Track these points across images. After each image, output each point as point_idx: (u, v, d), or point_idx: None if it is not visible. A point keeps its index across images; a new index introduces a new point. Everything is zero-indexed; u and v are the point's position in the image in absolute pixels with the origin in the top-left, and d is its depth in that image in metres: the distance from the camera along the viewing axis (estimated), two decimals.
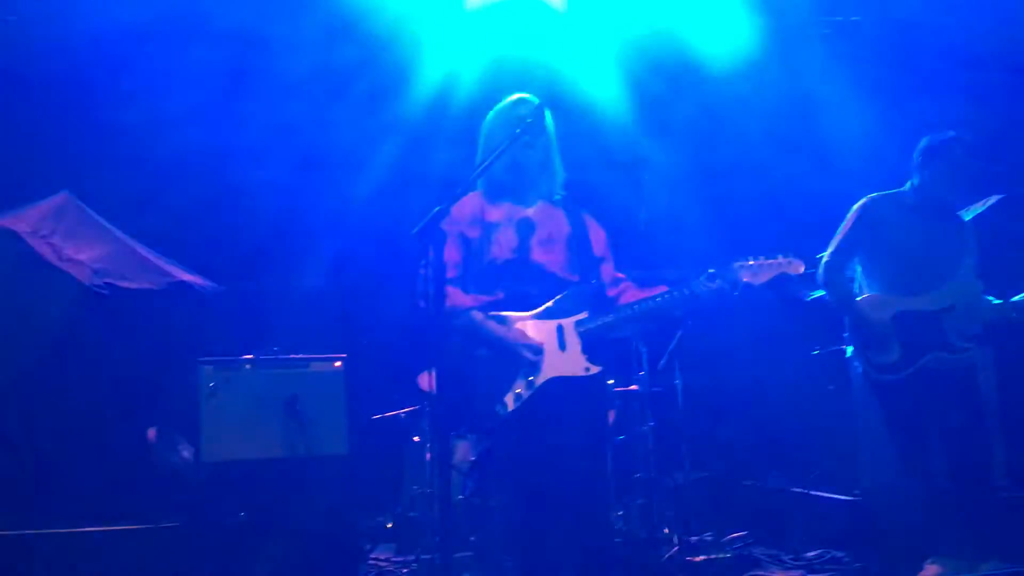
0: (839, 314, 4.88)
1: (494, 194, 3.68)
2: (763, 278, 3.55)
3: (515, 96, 3.71)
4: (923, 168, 4.71)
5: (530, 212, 3.66)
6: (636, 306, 3.55)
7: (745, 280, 3.54)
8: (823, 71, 8.57)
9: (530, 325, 3.50)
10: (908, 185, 4.78)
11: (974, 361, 4.62)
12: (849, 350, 4.85)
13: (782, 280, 3.63)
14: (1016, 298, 4.50)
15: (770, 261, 3.56)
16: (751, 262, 3.55)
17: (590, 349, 3.52)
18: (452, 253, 3.55)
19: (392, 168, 8.45)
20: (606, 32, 8.04)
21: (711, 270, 3.54)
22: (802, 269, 3.61)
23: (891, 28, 8.33)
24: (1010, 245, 4.74)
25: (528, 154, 3.58)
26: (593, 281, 3.60)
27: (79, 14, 8.06)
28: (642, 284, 3.79)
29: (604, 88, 8.44)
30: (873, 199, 4.77)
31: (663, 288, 3.58)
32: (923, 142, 4.75)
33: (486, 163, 3.40)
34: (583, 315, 3.53)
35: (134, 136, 8.02)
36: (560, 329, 3.51)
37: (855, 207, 4.79)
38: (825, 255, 4.80)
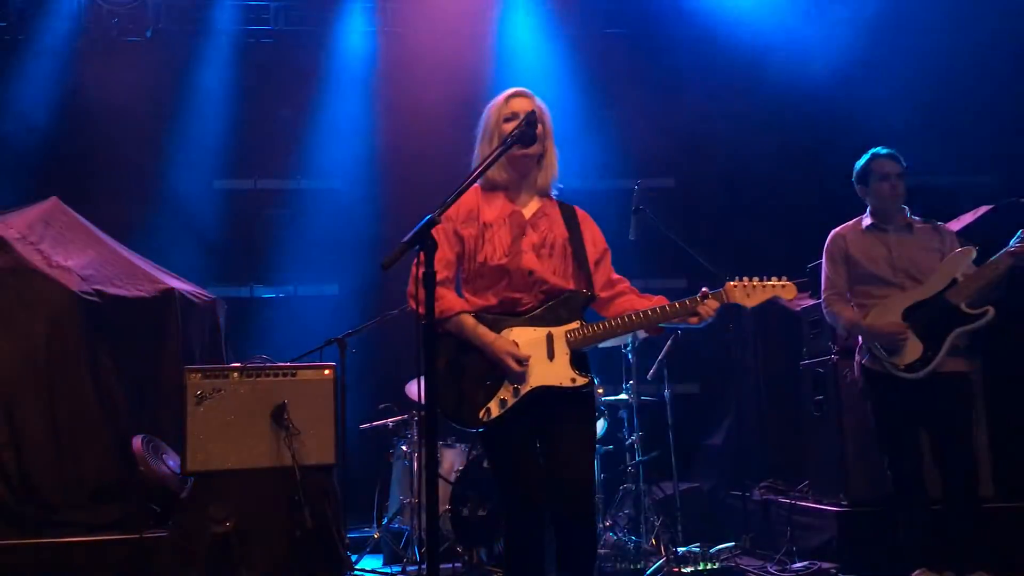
0: (853, 338, 4.96)
1: (489, 191, 3.67)
2: (756, 300, 3.58)
3: (511, 91, 3.69)
4: (864, 192, 4.88)
5: (525, 211, 3.64)
6: (627, 319, 3.54)
7: (738, 301, 3.56)
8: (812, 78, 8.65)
9: (520, 332, 3.49)
10: (867, 210, 4.93)
11: (970, 368, 4.66)
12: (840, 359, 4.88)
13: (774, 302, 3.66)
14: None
15: (764, 283, 3.59)
16: (744, 283, 3.58)
17: (578, 359, 3.51)
18: (445, 252, 3.53)
19: (387, 175, 8.48)
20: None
21: (704, 289, 3.56)
22: (795, 293, 3.63)
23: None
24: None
25: (522, 156, 3.57)
26: (586, 291, 3.59)
27: (72, 21, 8.09)
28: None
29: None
30: (837, 233, 4.94)
31: (661, 299, 3.57)
32: (854, 169, 4.92)
33: (478, 170, 3.39)
34: (574, 325, 3.52)
35: (126, 142, 8.02)
36: (550, 337, 3.50)
37: (826, 245, 4.95)
38: (822, 292, 4.92)
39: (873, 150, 4.87)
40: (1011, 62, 8.22)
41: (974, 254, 4.63)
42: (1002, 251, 4.54)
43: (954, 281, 4.58)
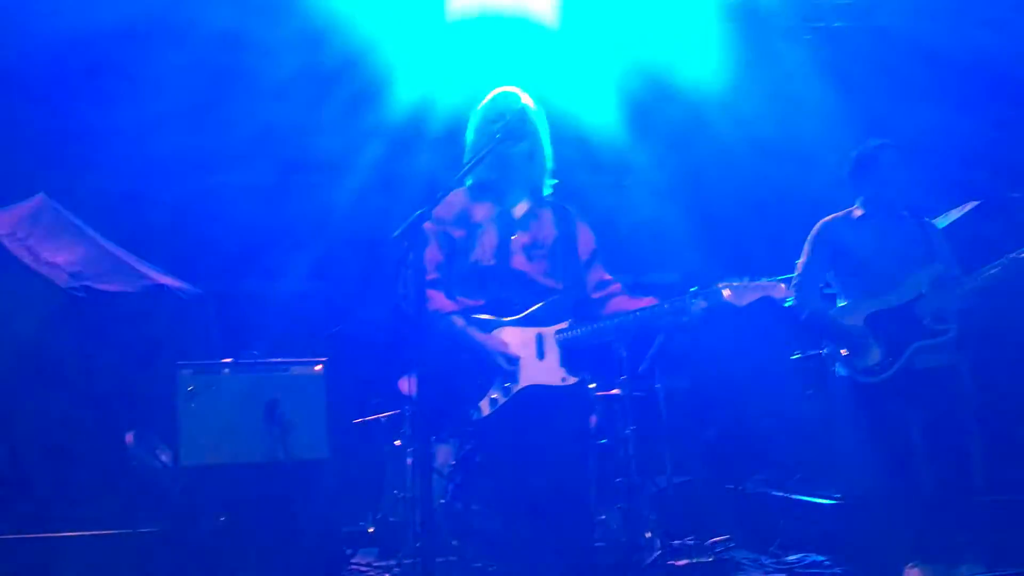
0: (814, 330, 4.97)
1: (479, 192, 3.66)
2: (746, 300, 3.61)
3: (499, 91, 3.69)
4: (859, 182, 4.84)
5: (515, 211, 3.64)
6: (617, 319, 3.55)
7: (728, 301, 3.58)
8: (806, 77, 8.63)
9: (510, 332, 3.49)
10: (857, 201, 4.88)
11: (957, 361, 4.65)
12: (828, 355, 4.87)
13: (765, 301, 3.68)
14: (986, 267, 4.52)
15: (754, 283, 3.62)
16: (735, 283, 3.60)
17: (569, 359, 3.51)
18: (435, 254, 3.53)
19: (374, 171, 8.43)
20: (594, 45, 8.10)
21: (694, 288, 3.56)
22: (785, 292, 3.68)
23: (872, 34, 8.37)
24: (988, 252, 4.75)
25: (511, 153, 3.56)
26: (576, 292, 3.59)
27: (58, 13, 8.01)
28: (630, 290, 3.78)
29: (591, 95, 8.48)
30: (826, 222, 4.90)
31: (651, 300, 3.58)
32: (852, 157, 4.86)
33: (468, 166, 3.39)
34: (563, 324, 3.52)
35: (112, 137, 7.97)
36: (540, 338, 3.50)
37: (812, 232, 4.91)
38: (794, 278, 4.87)
39: (881, 140, 4.80)
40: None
41: (941, 269, 4.63)
42: (978, 271, 4.52)
43: (921, 294, 4.58)
